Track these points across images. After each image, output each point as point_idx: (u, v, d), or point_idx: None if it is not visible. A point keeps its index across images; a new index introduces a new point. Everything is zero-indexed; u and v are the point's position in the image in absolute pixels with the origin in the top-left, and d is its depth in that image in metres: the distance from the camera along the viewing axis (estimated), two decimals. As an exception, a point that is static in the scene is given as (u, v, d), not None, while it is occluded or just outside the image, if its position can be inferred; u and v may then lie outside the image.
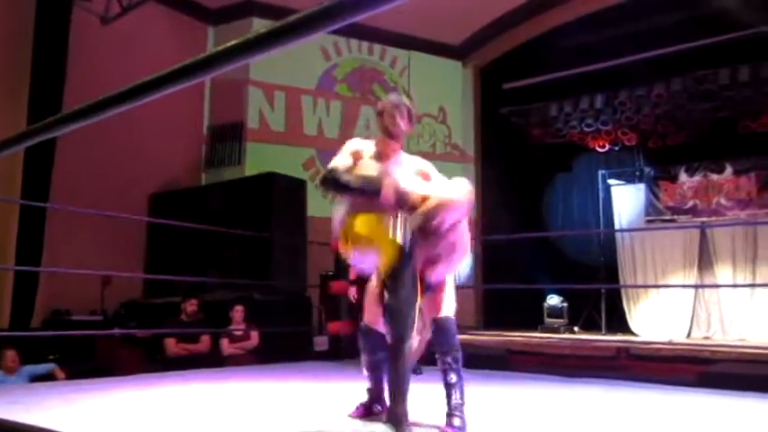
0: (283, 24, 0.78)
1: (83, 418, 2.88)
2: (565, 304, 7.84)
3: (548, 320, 7.81)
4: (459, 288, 9.28)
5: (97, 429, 2.69)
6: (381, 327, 2.75)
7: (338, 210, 2.71)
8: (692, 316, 7.66)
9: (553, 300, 7.90)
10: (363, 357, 2.87)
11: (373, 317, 2.79)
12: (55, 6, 6.95)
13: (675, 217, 8.04)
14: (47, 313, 6.80)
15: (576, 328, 7.75)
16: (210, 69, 0.90)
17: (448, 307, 2.70)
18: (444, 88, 9.71)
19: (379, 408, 2.91)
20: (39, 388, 4.31)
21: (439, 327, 2.64)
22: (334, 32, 8.95)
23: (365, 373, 2.89)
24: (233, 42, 0.87)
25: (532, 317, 7.95)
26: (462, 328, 7.63)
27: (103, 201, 6.70)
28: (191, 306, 5.99)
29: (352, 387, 4.05)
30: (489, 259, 9.11)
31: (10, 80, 6.85)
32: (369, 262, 2.62)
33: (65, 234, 6.77)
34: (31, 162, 6.58)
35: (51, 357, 5.73)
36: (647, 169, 8.50)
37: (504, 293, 8.06)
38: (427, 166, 2.78)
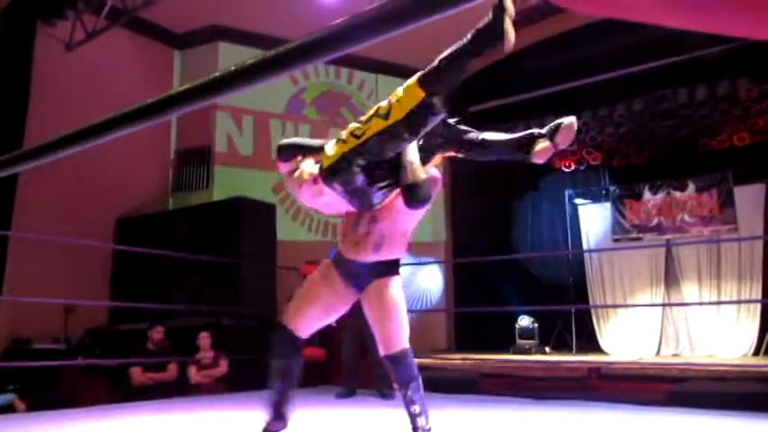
0: (254, 63, 0.77)
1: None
2: (536, 325, 7.88)
3: (519, 342, 7.83)
4: (430, 311, 9.20)
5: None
6: (302, 329, 2.60)
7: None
8: (661, 333, 7.76)
9: (524, 321, 7.93)
10: (274, 362, 2.63)
11: (298, 316, 2.59)
12: (18, 32, 6.86)
13: (641, 235, 8.18)
14: (7, 342, 6.59)
15: (547, 349, 7.79)
16: (178, 107, 0.87)
17: (402, 337, 2.56)
18: (412, 111, 9.75)
19: (281, 426, 2.64)
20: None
21: (396, 362, 2.54)
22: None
23: (272, 382, 2.63)
24: (206, 78, 0.84)
25: (504, 338, 7.96)
26: (434, 352, 7.62)
27: (68, 226, 6.56)
28: (157, 333, 5.87)
29: (322, 414, 3.99)
30: (460, 281, 9.14)
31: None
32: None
33: (28, 261, 6.59)
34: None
35: (11, 388, 5.54)
36: (612, 188, 8.65)
37: (476, 315, 8.08)
38: None
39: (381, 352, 2.58)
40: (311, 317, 2.62)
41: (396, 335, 2.54)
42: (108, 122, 0.91)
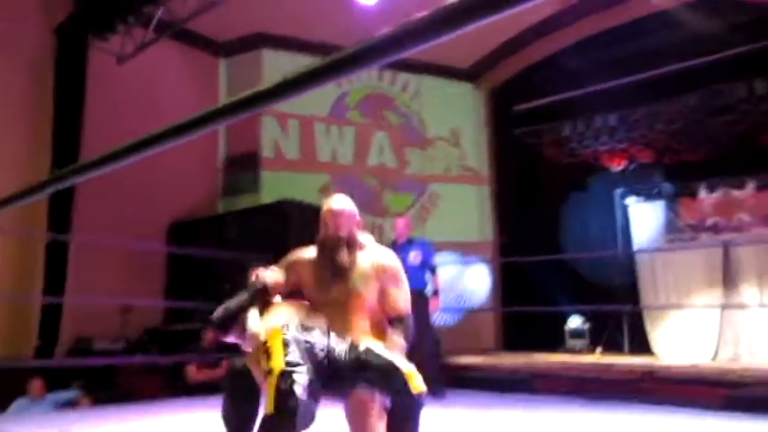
0: (299, 74, 0.77)
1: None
2: (586, 326, 7.75)
3: (569, 342, 7.72)
4: (477, 311, 9.12)
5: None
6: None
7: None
8: (719, 337, 7.47)
9: (574, 321, 7.80)
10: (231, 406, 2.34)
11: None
12: (72, 47, 7.16)
13: (696, 235, 7.92)
14: (71, 341, 6.90)
15: (598, 350, 7.63)
16: (232, 116, 0.90)
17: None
18: (456, 111, 9.75)
19: None
20: (65, 415, 4.36)
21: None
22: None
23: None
24: (269, 84, 0.84)
25: (554, 338, 7.86)
26: (482, 352, 7.57)
27: (124, 230, 6.81)
28: (210, 333, 6.03)
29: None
30: (508, 280, 9.06)
31: (34, 122, 7.09)
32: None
33: (87, 264, 6.87)
34: (53, 195, 6.72)
35: (75, 384, 5.81)
36: (665, 186, 8.41)
37: (525, 315, 7.99)
38: (391, 260, 2.46)
39: None
40: None
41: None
42: (161, 134, 0.95)
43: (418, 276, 4.79)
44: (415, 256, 4.78)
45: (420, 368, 2.16)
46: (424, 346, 4.69)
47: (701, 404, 4.00)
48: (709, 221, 7.82)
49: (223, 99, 9.00)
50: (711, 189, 7.86)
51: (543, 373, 5.28)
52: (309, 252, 2.46)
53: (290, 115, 8.77)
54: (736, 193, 7.70)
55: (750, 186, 7.62)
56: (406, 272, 4.81)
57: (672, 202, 8.18)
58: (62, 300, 6.62)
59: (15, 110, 7.02)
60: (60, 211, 6.70)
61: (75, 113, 7.07)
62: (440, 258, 5.65)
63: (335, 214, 2.38)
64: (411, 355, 2.25)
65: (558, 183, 9.58)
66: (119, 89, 7.65)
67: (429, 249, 4.92)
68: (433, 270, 4.91)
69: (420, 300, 4.78)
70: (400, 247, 4.89)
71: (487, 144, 9.79)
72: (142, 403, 4.81)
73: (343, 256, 2.33)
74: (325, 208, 2.41)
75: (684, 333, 7.63)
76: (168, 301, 7.82)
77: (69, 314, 6.86)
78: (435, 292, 4.88)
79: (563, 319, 7.90)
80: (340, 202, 2.43)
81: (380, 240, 2.81)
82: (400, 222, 5.21)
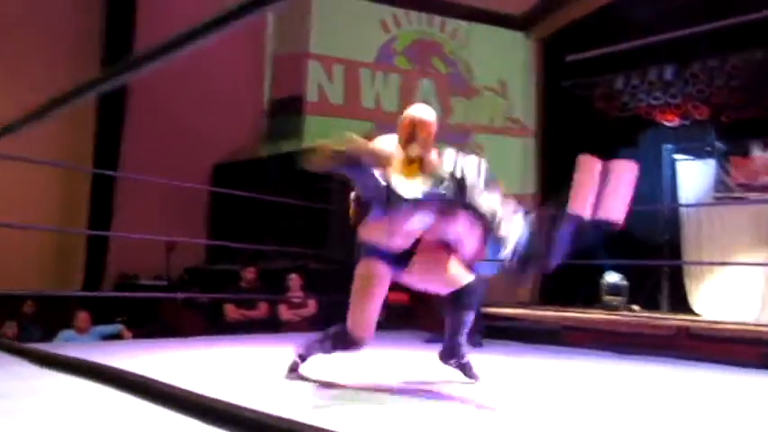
0: None
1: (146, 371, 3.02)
2: (624, 282, 7.64)
3: (606, 298, 7.63)
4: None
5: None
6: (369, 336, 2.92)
7: None
8: (763, 297, 7.31)
9: (612, 277, 7.69)
10: (330, 345, 3.02)
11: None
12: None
13: (746, 194, 7.67)
14: (116, 277, 7.18)
15: (635, 307, 7.55)
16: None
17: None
18: (505, 60, 9.51)
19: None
20: (108, 346, 4.57)
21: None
22: (394, 4, 8.87)
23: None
24: None
25: (590, 294, 7.79)
26: (517, 305, 7.55)
27: (169, 170, 6.96)
28: (250, 273, 6.19)
29: (404, 355, 4.12)
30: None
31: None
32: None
33: (133, 202, 7.10)
34: (101, 132, 6.89)
35: (119, 319, 6.06)
36: (717, 144, 8.11)
37: (561, 270, 7.91)
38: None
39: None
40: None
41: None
42: (208, 24, 0.92)
43: None
44: None
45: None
46: None
47: (737, 361, 3.93)
48: (761, 180, 7.55)
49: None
50: (765, 148, 7.57)
51: (577, 326, 5.26)
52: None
53: (336, 60, 8.71)
54: (793, 152, 7.39)
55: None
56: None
57: (723, 160, 7.91)
58: (108, 235, 6.86)
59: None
60: (107, 148, 6.89)
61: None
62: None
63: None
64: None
65: (606, 137, 9.29)
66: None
67: None
68: None
69: None
70: None
71: (535, 96, 9.55)
72: (182, 339, 4.99)
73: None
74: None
75: (727, 292, 7.49)
76: (210, 240, 8.03)
77: (115, 250, 7.12)
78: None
79: (600, 275, 7.79)
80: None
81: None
82: None
